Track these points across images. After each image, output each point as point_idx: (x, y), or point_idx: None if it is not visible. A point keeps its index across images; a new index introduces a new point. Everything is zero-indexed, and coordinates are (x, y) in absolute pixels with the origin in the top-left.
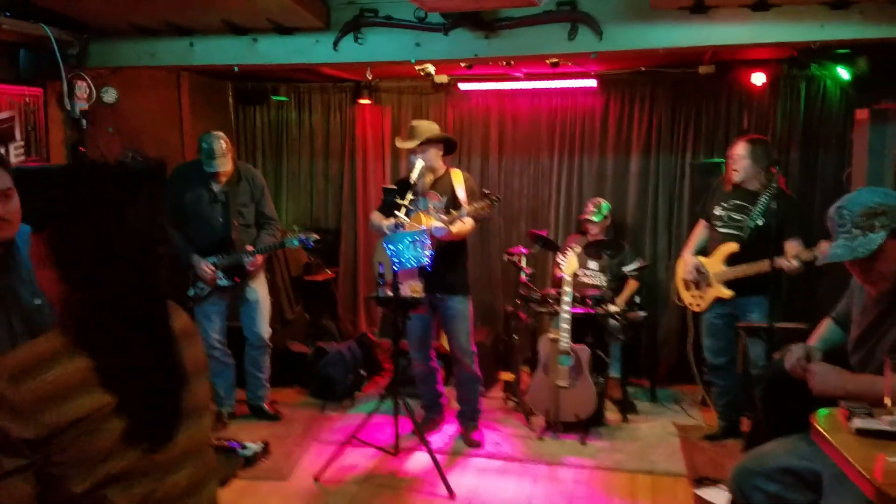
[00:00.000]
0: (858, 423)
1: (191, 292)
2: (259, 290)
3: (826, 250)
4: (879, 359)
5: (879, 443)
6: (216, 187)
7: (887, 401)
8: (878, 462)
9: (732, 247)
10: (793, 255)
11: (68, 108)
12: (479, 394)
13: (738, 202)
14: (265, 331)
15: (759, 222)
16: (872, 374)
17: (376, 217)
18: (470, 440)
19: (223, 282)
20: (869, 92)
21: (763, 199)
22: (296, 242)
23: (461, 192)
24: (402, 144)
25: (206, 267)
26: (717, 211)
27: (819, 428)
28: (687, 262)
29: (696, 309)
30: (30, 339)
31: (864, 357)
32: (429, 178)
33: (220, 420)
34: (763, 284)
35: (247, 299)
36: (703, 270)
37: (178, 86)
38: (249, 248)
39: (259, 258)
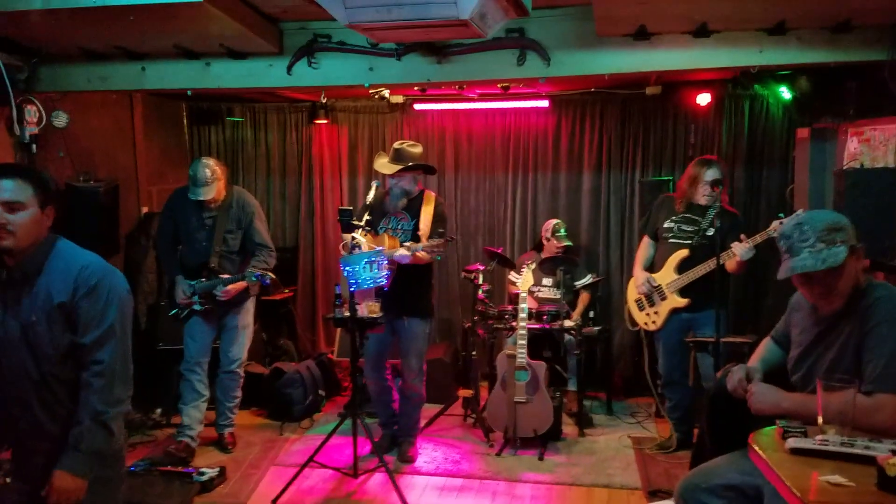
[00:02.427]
0: (792, 442)
1: (173, 311)
2: (240, 317)
3: (789, 262)
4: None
5: (812, 461)
6: (206, 213)
7: (820, 420)
8: (813, 481)
9: (683, 253)
10: (744, 243)
11: (17, 133)
12: (419, 411)
13: (688, 216)
14: (234, 355)
15: (709, 232)
16: (811, 393)
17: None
18: (404, 456)
19: (197, 306)
20: (809, 111)
21: (711, 212)
22: (254, 278)
23: (424, 220)
24: (381, 169)
25: (179, 290)
26: (667, 224)
27: (755, 447)
28: (638, 277)
29: (652, 327)
30: (24, 345)
31: (803, 376)
32: (402, 202)
33: (188, 449)
34: (714, 297)
35: (226, 325)
36: (656, 284)
37: (130, 106)
38: (225, 276)
39: (230, 288)
